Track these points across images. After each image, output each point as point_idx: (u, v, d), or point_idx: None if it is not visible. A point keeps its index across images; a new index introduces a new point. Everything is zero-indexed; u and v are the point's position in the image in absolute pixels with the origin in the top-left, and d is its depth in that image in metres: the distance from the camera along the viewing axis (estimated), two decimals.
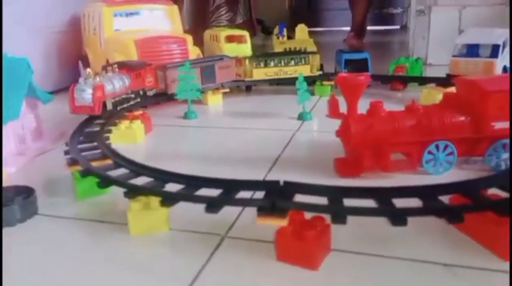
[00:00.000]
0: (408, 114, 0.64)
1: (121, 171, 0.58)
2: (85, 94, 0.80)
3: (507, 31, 1.10)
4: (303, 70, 1.14)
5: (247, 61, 1.15)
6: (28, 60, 0.82)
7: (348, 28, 2.35)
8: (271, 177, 0.66)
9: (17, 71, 0.78)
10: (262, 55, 1.17)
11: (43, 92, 0.84)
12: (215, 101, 1.14)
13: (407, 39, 2.47)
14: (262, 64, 1.14)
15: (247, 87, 1.27)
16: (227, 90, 1.18)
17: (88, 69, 0.83)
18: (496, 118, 0.62)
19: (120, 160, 0.60)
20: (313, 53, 1.18)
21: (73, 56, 1.38)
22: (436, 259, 0.44)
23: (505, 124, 0.62)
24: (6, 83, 0.74)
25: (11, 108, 0.73)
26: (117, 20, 1.17)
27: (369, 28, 3.21)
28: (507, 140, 0.62)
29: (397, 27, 3.46)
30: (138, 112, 0.92)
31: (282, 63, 1.14)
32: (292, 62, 1.14)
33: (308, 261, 0.43)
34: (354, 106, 0.63)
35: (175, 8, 1.25)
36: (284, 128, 0.91)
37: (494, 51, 1.08)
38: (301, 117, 0.96)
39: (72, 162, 0.61)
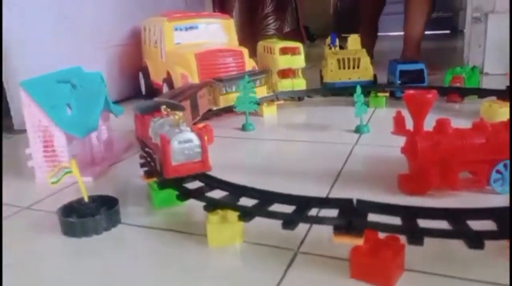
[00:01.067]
0: (476, 132, 0.64)
1: (197, 184, 0.62)
2: (195, 146, 0.58)
3: None
4: (260, 91, 1.14)
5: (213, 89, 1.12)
6: (102, 74, 0.88)
7: (396, 34, 2.23)
8: (335, 192, 0.68)
9: (93, 86, 0.84)
10: (220, 81, 1.11)
11: (115, 105, 0.90)
12: (270, 112, 1.16)
13: (459, 45, 2.41)
14: (224, 91, 1.10)
15: (299, 98, 1.30)
16: (282, 101, 1.20)
17: (179, 113, 0.61)
18: None
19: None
20: (266, 73, 1.19)
21: (133, 68, 1.46)
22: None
23: None
24: (85, 97, 0.80)
25: (90, 121, 0.79)
26: (177, 34, 1.23)
27: None
28: None
29: (447, 31, 3.37)
30: (201, 124, 0.96)
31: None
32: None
33: (384, 280, 0.44)
34: (421, 123, 0.63)
35: (231, 21, 1.29)
36: (342, 141, 0.92)
37: None
38: (359, 130, 0.96)
39: (150, 174, 0.66)
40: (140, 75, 1.43)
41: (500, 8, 1.59)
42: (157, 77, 1.31)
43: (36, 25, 1.12)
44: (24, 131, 1.07)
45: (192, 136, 0.58)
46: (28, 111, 0.75)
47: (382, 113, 1.12)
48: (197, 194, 0.57)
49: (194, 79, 1.11)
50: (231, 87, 1.11)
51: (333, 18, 3.62)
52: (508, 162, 0.63)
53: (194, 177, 0.62)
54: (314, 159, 0.85)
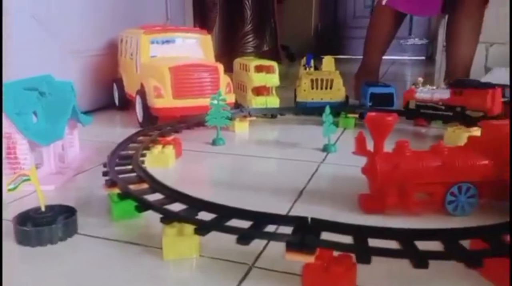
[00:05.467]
0: (433, 155, 0.66)
1: (157, 196, 0.61)
2: None
3: None
4: None
5: None
6: (72, 84, 0.88)
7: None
8: (296, 209, 0.69)
9: (63, 94, 0.84)
10: None
11: (84, 115, 0.90)
12: (242, 128, 1.18)
13: (433, 71, 2.50)
14: None
15: (272, 115, 1.31)
16: (254, 118, 1.22)
17: None
18: None
19: (157, 185, 0.63)
20: None
21: (107, 79, 1.45)
22: None
23: None
24: (53, 106, 0.80)
25: (57, 130, 0.78)
26: (153, 47, 1.23)
27: (393, 57, 3.25)
28: None
29: (422, 57, 3.48)
30: (170, 137, 0.96)
31: None
32: None
33: None
34: (381, 145, 0.65)
35: (208, 37, 1.31)
36: (309, 159, 0.93)
37: None
38: (326, 149, 0.98)
39: (111, 184, 0.65)
40: (114, 86, 1.43)
41: None
42: (130, 89, 1.30)
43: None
44: None
45: None
46: None
47: (351, 134, 1.15)
48: (155, 206, 0.57)
49: (167, 92, 1.11)
50: None
51: (314, 40, 3.69)
52: (462, 185, 0.65)
53: (154, 190, 0.62)
54: (280, 175, 0.86)
